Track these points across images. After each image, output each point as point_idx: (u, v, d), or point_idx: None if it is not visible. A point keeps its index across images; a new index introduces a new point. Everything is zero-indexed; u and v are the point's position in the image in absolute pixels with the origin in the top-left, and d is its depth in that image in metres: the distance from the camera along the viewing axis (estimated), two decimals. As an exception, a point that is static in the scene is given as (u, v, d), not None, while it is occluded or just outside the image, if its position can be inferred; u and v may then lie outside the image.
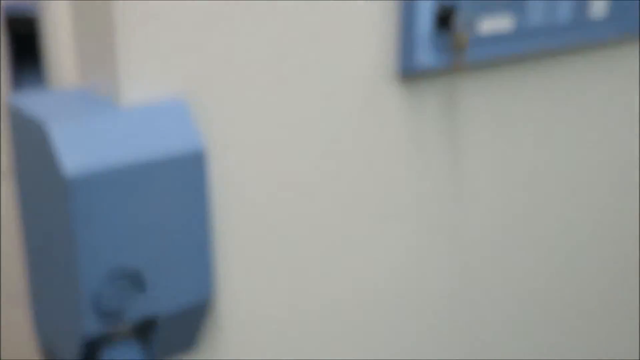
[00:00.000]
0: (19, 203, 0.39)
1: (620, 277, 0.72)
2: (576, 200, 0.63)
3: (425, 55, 0.44)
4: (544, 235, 0.61)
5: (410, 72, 0.44)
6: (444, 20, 0.44)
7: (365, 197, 0.47)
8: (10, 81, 0.74)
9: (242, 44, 0.38)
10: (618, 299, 0.73)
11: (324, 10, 0.40)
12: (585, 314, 0.69)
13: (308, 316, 0.47)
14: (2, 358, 0.73)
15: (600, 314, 0.71)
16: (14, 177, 0.39)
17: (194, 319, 0.39)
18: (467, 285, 0.56)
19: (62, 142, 0.32)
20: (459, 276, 0.55)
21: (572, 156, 0.60)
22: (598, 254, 0.67)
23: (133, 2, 0.33)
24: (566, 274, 0.65)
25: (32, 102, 0.35)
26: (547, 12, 0.50)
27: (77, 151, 0.32)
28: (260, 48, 0.39)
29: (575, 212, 0.63)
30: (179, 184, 0.35)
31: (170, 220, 0.35)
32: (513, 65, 0.52)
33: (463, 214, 0.53)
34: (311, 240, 0.45)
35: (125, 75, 0.34)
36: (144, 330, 0.37)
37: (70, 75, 0.58)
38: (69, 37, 0.61)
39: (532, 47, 0.50)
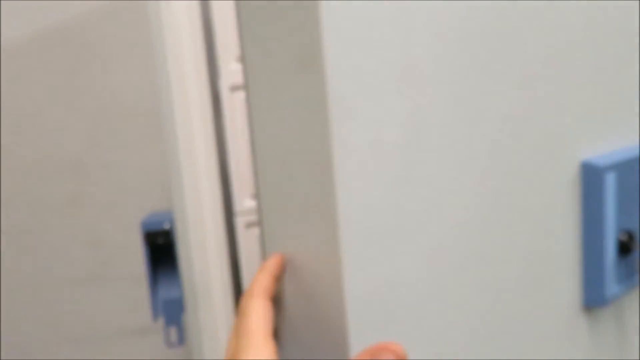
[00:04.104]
0: None
1: None
2: None
3: (611, 287, 0.42)
4: None
5: (594, 304, 0.43)
6: (625, 246, 0.42)
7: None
8: (150, 286, 0.77)
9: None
10: None
11: (531, 261, 0.40)
12: None
13: None
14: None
15: None
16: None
17: None
18: None
19: None
20: None
21: None
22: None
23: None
24: None
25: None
26: None
27: None
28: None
29: None
30: None
31: None
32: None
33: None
34: None
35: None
36: None
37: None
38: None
39: None
